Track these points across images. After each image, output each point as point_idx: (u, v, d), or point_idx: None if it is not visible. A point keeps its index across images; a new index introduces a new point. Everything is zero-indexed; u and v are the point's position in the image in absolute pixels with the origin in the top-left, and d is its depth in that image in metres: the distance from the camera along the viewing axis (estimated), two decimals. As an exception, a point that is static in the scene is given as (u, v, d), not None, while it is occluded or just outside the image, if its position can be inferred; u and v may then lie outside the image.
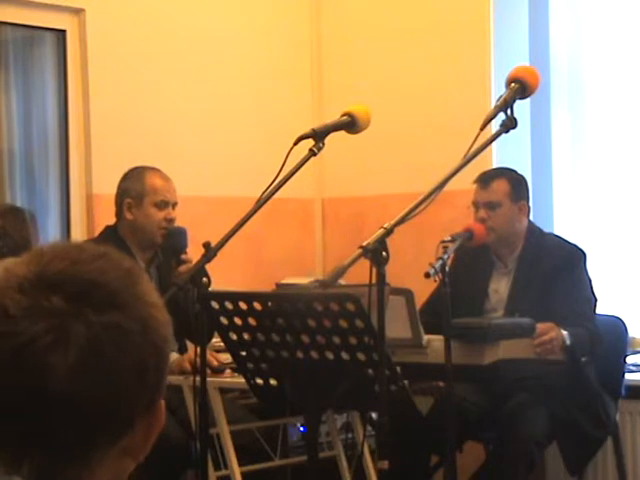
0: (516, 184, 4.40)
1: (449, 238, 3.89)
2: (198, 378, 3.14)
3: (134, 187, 4.33)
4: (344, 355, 3.12)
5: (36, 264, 1.11)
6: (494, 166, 4.89)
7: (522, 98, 3.10)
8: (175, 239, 4.22)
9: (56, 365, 1.06)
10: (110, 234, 4.35)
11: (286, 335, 3.19)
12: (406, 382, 3.23)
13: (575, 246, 4.35)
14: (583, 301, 4.23)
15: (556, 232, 4.89)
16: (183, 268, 4.03)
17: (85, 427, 1.08)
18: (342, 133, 3.22)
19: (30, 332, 1.06)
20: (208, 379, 3.24)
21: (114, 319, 1.09)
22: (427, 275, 3.49)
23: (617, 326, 4.49)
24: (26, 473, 1.08)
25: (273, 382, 3.37)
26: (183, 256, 4.12)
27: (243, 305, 3.24)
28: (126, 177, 4.38)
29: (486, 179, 4.38)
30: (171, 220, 4.30)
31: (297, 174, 3.11)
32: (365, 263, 2.79)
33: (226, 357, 3.84)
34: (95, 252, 1.15)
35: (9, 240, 4.38)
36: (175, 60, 5.33)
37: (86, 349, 1.07)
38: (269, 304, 3.24)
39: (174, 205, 4.35)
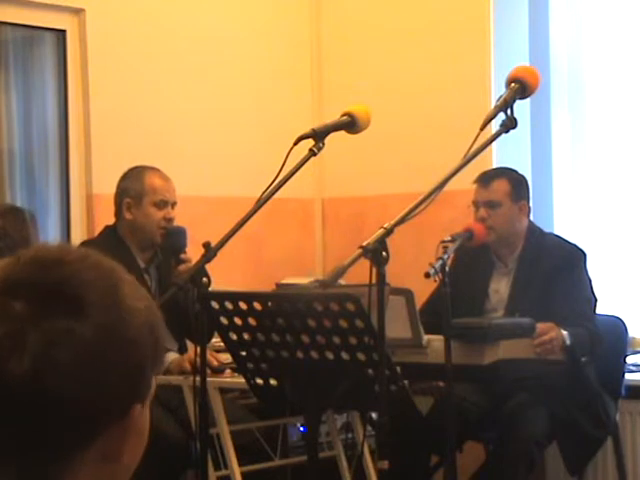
0: (516, 184, 4.40)
1: (449, 238, 3.89)
2: (198, 378, 3.14)
3: (133, 187, 4.33)
4: (344, 355, 3.12)
5: (6, 269, 1.12)
6: (494, 166, 4.89)
7: (522, 98, 3.10)
8: (174, 239, 4.22)
9: (14, 370, 1.07)
10: (109, 234, 4.35)
11: (286, 335, 3.19)
12: (406, 382, 3.23)
13: (575, 246, 4.35)
14: (583, 301, 4.23)
15: (556, 232, 4.89)
16: (182, 267, 4.03)
17: (50, 431, 1.09)
18: (342, 133, 3.22)
19: None
20: (208, 379, 3.24)
21: (69, 326, 1.08)
22: (427, 275, 3.49)
23: (617, 326, 4.49)
24: (11, 475, 1.10)
25: (273, 382, 3.37)
26: (182, 255, 4.12)
27: (243, 305, 3.23)
28: (125, 177, 4.38)
29: (486, 179, 4.38)
30: (170, 220, 4.30)
31: (297, 174, 3.11)
32: (365, 263, 2.79)
33: (226, 357, 3.84)
34: (70, 255, 1.14)
35: (9, 240, 4.38)
36: (175, 60, 5.33)
37: (39, 356, 1.07)
38: (269, 304, 3.24)
39: (173, 205, 4.35)
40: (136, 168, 4.40)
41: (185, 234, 4.21)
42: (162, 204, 4.31)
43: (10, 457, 1.10)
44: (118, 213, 4.37)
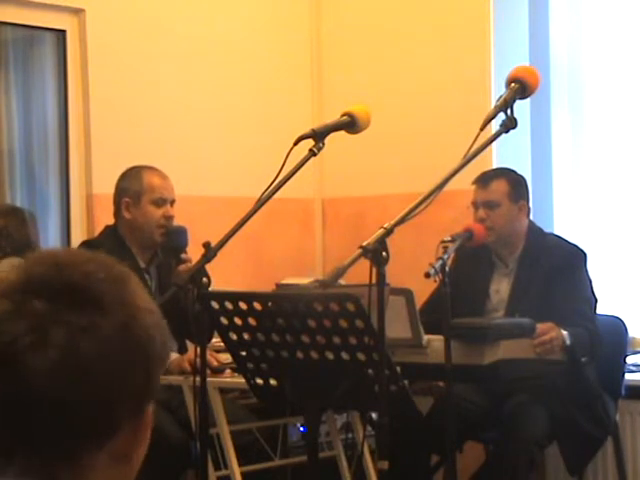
0: (515, 184, 4.40)
1: (449, 238, 3.89)
2: (198, 378, 3.14)
3: (132, 186, 4.32)
4: (344, 355, 3.12)
5: (23, 269, 1.14)
6: (494, 166, 4.89)
7: (522, 98, 3.10)
8: (175, 238, 4.21)
9: (36, 366, 1.08)
10: (110, 234, 4.34)
11: (286, 335, 3.19)
12: (406, 382, 3.22)
13: (576, 246, 4.35)
14: (583, 301, 4.23)
15: (556, 232, 4.89)
16: (183, 267, 4.03)
17: (66, 428, 1.09)
18: (342, 133, 3.22)
19: (12, 332, 1.09)
20: (208, 379, 3.24)
21: (93, 321, 1.10)
22: (427, 275, 3.49)
23: (617, 326, 4.48)
24: (17, 472, 1.10)
25: (273, 382, 3.37)
26: (183, 255, 4.11)
27: (243, 305, 3.23)
28: (124, 176, 4.38)
29: (485, 179, 4.38)
30: (170, 217, 4.30)
31: (297, 174, 3.11)
32: (365, 263, 2.79)
33: (226, 357, 3.84)
34: (83, 257, 1.17)
35: (10, 240, 4.40)
36: (175, 60, 5.33)
37: (65, 350, 1.08)
38: (269, 304, 3.23)
39: (172, 202, 4.34)
40: (134, 168, 4.39)
41: (186, 233, 4.21)
42: (161, 202, 4.30)
43: (21, 454, 1.10)
44: (117, 213, 4.36)
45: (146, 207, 4.29)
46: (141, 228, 4.30)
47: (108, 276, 1.15)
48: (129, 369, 1.12)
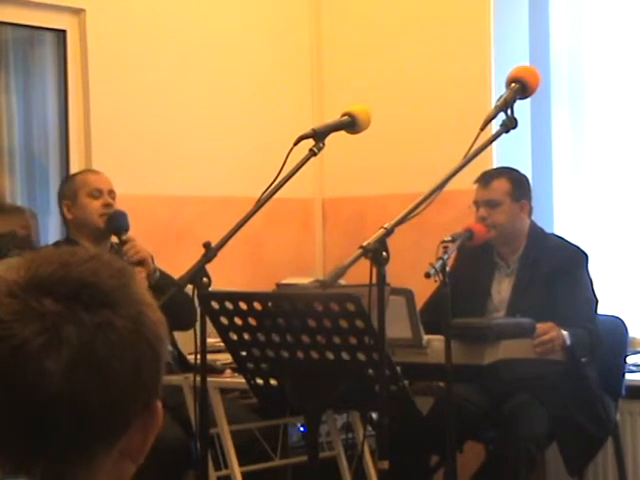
0: (517, 183, 4.40)
1: (449, 238, 3.89)
2: (198, 378, 3.14)
3: (67, 189, 4.41)
4: (344, 355, 3.12)
5: (26, 269, 1.12)
6: (494, 166, 4.89)
7: (522, 98, 3.10)
8: (115, 221, 4.24)
9: (49, 366, 1.06)
10: (61, 242, 4.39)
11: (286, 335, 3.19)
12: (406, 382, 3.23)
13: (577, 247, 4.35)
14: (584, 302, 4.23)
15: (556, 232, 4.88)
16: (127, 247, 4.09)
17: (82, 428, 1.09)
18: (342, 133, 3.22)
19: (22, 335, 1.07)
20: (208, 379, 3.24)
21: (106, 318, 1.09)
22: (427, 275, 3.49)
23: (617, 326, 4.48)
24: (33, 474, 1.09)
25: (273, 382, 3.37)
26: (124, 236, 4.16)
27: (243, 305, 3.23)
28: (61, 185, 4.49)
29: (487, 178, 4.39)
30: (109, 205, 4.31)
31: (297, 174, 3.11)
32: (365, 263, 2.79)
33: (226, 357, 3.84)
34: (85, 254, 1.15)
35: (12, 239, 4.40)
36: (175, 60, 5.33)
37: (79, 349, 1.07)
38: (269, 304, 3.23)
39: (110, 193, 4.35)
40: (68, 175, 4.49)
41: (126, 216, 4.25)
42: (97, 193, 4.33)
43: (36, 456, 1.09)
44: (64, 220, 4.41)
45: (83, 201, 4.33)
46: (84, 222, 4.32)
47: (114, 272, 1.14)
48: (141, 366, 1.11)
